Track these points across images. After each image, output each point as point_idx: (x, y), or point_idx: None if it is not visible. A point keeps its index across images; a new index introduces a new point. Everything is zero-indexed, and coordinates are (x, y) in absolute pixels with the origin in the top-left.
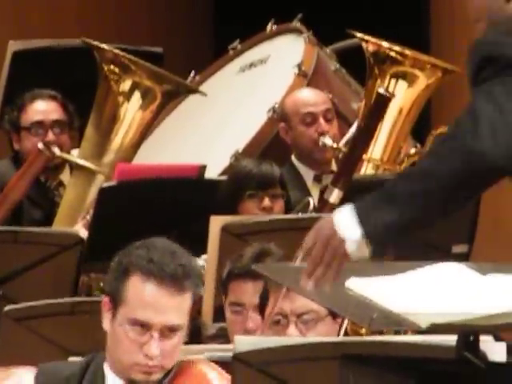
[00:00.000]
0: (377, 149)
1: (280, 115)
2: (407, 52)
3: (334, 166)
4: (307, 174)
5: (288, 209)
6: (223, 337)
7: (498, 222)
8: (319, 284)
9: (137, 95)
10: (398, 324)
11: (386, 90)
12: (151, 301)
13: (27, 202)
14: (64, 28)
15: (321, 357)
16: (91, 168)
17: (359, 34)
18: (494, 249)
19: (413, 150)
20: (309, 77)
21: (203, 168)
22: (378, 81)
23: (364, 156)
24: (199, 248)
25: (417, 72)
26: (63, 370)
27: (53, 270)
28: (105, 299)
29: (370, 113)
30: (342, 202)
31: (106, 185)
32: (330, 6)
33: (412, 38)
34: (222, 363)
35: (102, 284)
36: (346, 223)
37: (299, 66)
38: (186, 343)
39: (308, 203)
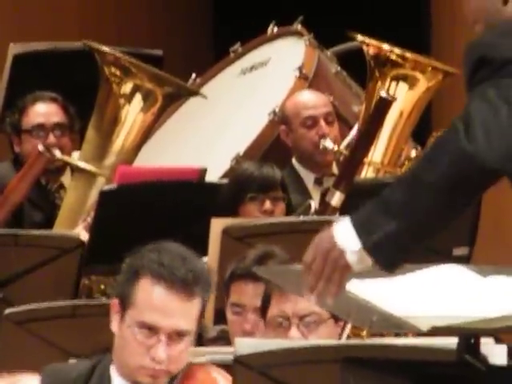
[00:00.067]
0: (377, 152)
1: (281, 118)
2: (408, 55)
3: (334, 169)
4: (308, 177)
5: (289, 211)
6: (224, 339)
7: (498, 224)
8: (321, 298)
9: (138, 98)
10: (399, 327)
11: (388, 93)
12: (160, 304)
13: (28, 205)
14: (64, 29)
15: (322, 360)
16: (92, 170)
17: (360, 37)
18: (495, 251)
19: (413, 153)
20: (309, 79)
21: (204, 171)
22: (379, 83)
23: (365, 159)
24: (200, 251)
25: (417, 75)
26: (69, 372)
27: (53, 272)
28: (114, 301)
29: (372, 116)
30: (344, 204)
31: (106, 188)
32: (331, 8)
33: (412, 41)
34: (223, 366)
35: (102, 286)
36: (345, 235)
37: (300, 68)
38: None
39: (309, 206)
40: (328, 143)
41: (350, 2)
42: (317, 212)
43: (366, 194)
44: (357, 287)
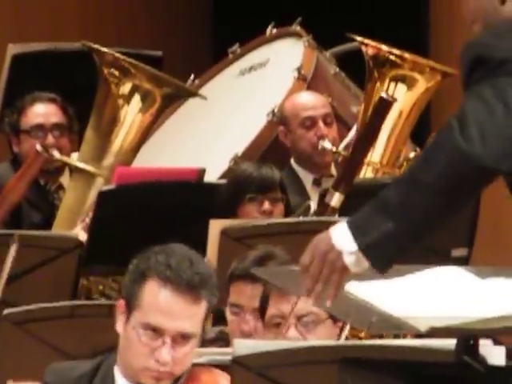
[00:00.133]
0: (376, 152)
1: (279, 119)
2: (406, 55)
3: (333, 170)
4: (306, 178)
5: (287, 212)
6: (223, 340)
7: (497, 225)
8: (319, 301)
9: (136, 98)
10: (398, 328)
11: (388, 93)
12: (166, 306)
13: (27, 205)
14: (63, 30)
15: (320, 360)
16: (91, 171)
17: (358, 38)
18: (494, 253)
19: (412, 154)
20: (308, 80)
21: (202, 171)
22: (378, 84)
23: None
24: (198, 252)
25: (416, 75)
26: (73, 371)
27: (52, 273)
28: (120, 302)
29: (372, 117)
30: (342, 204)
31: (105, 188)
32: (330, 9)
33: (411, 42)
34: (222, 367)
35: (101, 287)
36: (342, 237)
37: (299, 69)
38: None
39: (309, 207)
40: (326, 144)
41: (348, 2)
42: (316, 213)
43: (365, 194)
44: (356, 288)
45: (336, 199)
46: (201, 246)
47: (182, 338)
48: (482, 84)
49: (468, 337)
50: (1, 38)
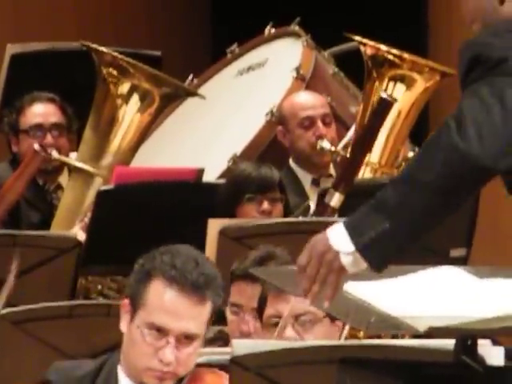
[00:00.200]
0: (375, 152)
1: (278, 118)
2: (405, 55)
3: (331, 170)
4: (305, 178)
5: (286, 212)
6: (222, 340)
7: (496, 225)
8: (317, 301)
9: (135, 98)
10: (396, 328)
11: (388, 94)
12: (170, 307)
13: (25, 205)
14: (62, 29)
15: (318, 360)
16: (89, 171)
17: (357, 38)
18: (493, 253)
19: (411, 154)
20: (307, 80)
21: (201, 171)
22: (376, 84)
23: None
24: None
25: (415, 75)
26: (77, 370)
27: (50, 272)
28: (125, 301)
29: (372, 117)
30: (341, 205)
31: (103, 188)
32: (328, 9)
33: (410, 41)
34: (220, 367)
35: (99, 287)
36: (339, 237)
37: (297, 69)
38: None
39: (308, 207)
40: (325, 144)
41: (347, 2)
42: (316, 213)
43: (364, 194)
44: (354, 288)
45: (336, 199)
46: (199, 246)
47: (186, 338)
48: (480, 83)
49: (466, 337)
50: (0, 37)
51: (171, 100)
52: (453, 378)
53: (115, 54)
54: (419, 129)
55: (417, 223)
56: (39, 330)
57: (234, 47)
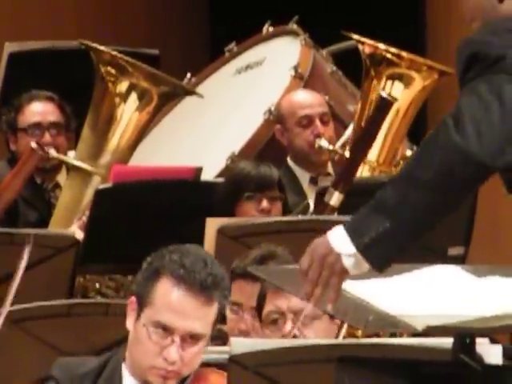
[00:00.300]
0: (373, 151)
1: (276, 117)
2: (403, 54)
3: (329, 169)
4: (303, 177)
5: (285, 211)
6: (220, 338)
7: (494, 224)
8: (320, 304)
9: (133, 97)
10: (394, 326)
11: (388, 93)
12: (177, 306)
13: (23, 204)
14: (62, 29)
15: (316, 359)
16: (87, 169)
17: (355, 36)
18: (491, 251)
19: (409, 152)
20: (305, 79)
21: (199, 170)
22: (375, 82)
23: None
24: None
25: (413, 74)
26: (80, 367)
27: (49, 271)
28: (131, 299)
29: (372, 116)
30: (342, 204)
31: (102, 186)
32: (326, 8)
33: (408, 40)
34: (219, 365)
35: (97, 285)
36: (340, 239)
37: (295, 68)
38: None
39: (307, 206)
40: (323, 143)
41: (345, 1)
42: (314, 212)
43: (363, 192)
44: (353, 287)
45: (335, 198)
46: (198, 245)
47: (191, 338)
48: (478, 81)
49: (465, 335)
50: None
51: (169, 99)
52: (451, 376)
53: (113, 52)
54: (417, 127)
55: (417, 222)
56: (37, 328)
57: (232, 46)
